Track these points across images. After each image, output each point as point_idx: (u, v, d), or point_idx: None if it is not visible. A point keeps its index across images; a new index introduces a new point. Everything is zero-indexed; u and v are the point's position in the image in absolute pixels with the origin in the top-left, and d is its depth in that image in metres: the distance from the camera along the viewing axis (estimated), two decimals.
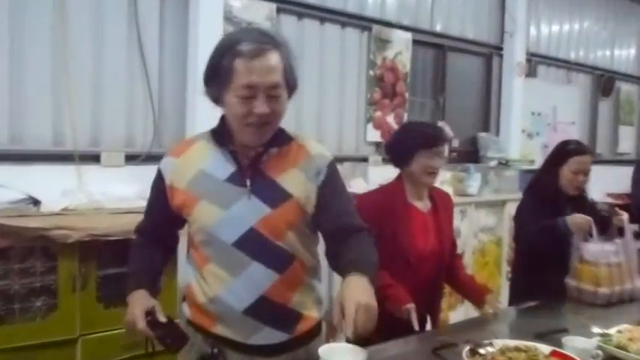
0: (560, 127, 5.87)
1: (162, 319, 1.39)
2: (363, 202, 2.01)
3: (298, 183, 1.43)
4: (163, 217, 1.51)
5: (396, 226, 2.03)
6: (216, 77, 1.37)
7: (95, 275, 2.53)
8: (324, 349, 1.29)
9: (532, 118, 5.62)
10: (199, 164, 1.44)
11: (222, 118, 1.47)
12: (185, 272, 1.60)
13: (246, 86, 1.33)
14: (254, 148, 1.43)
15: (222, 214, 1.40)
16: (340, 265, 1.38)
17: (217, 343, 1.47)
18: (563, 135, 5.16)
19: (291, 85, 1.42)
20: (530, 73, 5.60)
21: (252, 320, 1.43)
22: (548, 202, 2.51)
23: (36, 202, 2.62)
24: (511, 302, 2.62)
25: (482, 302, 2.06)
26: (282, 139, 1.47)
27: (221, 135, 1.46)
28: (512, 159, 5.07)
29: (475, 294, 2.13)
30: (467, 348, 1.51)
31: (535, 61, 5.69)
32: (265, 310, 1.42)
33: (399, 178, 2.16)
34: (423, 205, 2.14)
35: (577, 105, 6.19)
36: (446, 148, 2.15)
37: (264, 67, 1.33)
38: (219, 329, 1.47)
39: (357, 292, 1.22)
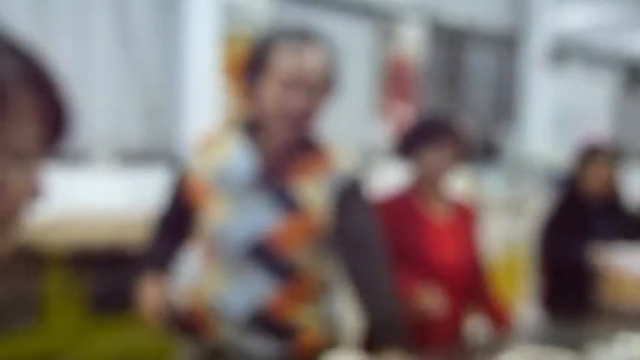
0: (590, 122, 5.88)
1: (182, 310, 1.51)
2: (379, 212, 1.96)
3: (317, 197, 1.47)
4: (179, 204, 1.58)
5: (413, 238, 1.93)
6: (256, 64, 1.43)
7: (80, 292, 2.55)
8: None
9: (558, 111, 5.64)
10: (221, 159, 1.50)
11: (254, 114, 1.51)
12: (183, 270, 1.67)
13: (286, 71, 1.39)
14: (282, 149, 1.47)
15: (233, 215, 1.46)
16: (366, 321, 1.51)
17: (210, 347, 1.53)
18: (593, 131, 5.18)
19: (331, 86, 1.48)
20: (557, 61, 5.61)
21: (247, 329, 1.48)
22: (577, 209, 2.54)
23: None
24: (539, 312, 2.64)
25: (504, 323, 2.01)
26: (312, 145, 1.52)
27: (249, 132, 1.50)
28: (535, 157, 5.09)
29: (496, 313, 2.04)
30: None
31: (562, 48, 5.70)
32: (262, 320, 1.47)
33: (409, 178, 2.06)
34: (440, 213, 2.02)
35: (610, 98, 6.20)
36: (459, 144, 2.00)
37: (307, 54, 1.41)
38: (213, 333, 1.52)
39: None
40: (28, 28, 2.94)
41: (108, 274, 2.60)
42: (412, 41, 4.50)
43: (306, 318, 1.52)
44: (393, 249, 1.83)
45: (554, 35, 5.57)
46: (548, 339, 1.87)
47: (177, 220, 1.62)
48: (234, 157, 1.48)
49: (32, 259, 2.42)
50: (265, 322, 1.47)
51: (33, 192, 0.66)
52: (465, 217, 2.06)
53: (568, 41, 5.83)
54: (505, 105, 5.44)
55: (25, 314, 2.43)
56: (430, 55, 4.75)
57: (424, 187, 1.99)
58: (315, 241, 1.49)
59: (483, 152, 5.02)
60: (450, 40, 4.96)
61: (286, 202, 1.45)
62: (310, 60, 1.41)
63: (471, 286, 2.01)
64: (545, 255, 2.64)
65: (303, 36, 1.43)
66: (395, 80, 4.45)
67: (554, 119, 5.60)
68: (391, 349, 1.40)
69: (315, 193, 1.47)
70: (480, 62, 5.19)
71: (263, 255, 1.45)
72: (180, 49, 3.37)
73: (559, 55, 5.69)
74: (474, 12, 5.06)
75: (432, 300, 1.75)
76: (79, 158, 3.08)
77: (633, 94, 6.65)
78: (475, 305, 2.06)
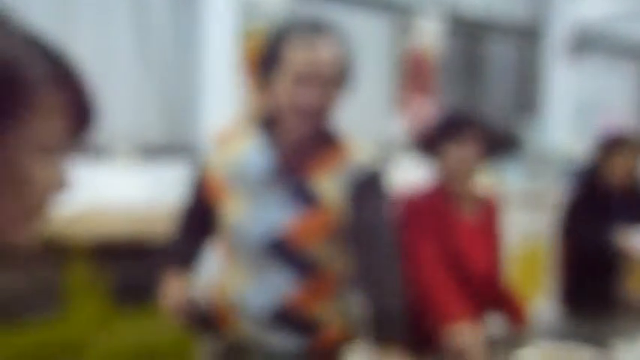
0: (612, 112, 5.79)
1: (203, 306, 1.53)
2: (411, 210, 1.88)
3: (334, 191, 1.45)
4: (200, 200, 1.59)
5: (446, 244, 1.86)
6: (270, 59, 1.41)
7: (103, 283, 2.58)
8: None
9: (580, 102, 5.55)
10: (237, 155, 1.48)
11: (269, 109, 1.50)
12: (206, 266, 1.67)
13: (299, 66, 1.37)
14: (297, 144, 1.45)
15: (250, 211, 1.45)
16: (369, 314, 1.45)
17: (231, 342, 1.54)
18: (615, 121, 5.09)
19: (345, 78, 1.45)
20: (578, 52, 5.52)
21: (269, 325, 1.48)
22: (598, 198, 2.51)
23: None
24: (559, 306, 2.61)
25: (521, 321, 1.96)
26: (328, 139, 1.49)
27: (265, 127, 1.49)
28: (557, 149, 5.02)
29: (514, 312, 1.99)
30: None
31: (584, 39, 5.59)
32: (283, 316, 1.47)
33: (434, 177, 1.97)
34: (469, 212, 1.94)
35: (633, 87, 6.09)
36: (483, 138, 1.91)
37: (320, 48, 1.38)
38: (235, 329, 1.52)
39: None
40: (52, 27, 2.97)
41: (129, 265, 2.63)
42: (430, 34, 4.46)
43: (327, 313, 1.51)
44: (429, 252, 1.79)
45: (574, 25, 5.47)
46: (568, 334, 1.84)
47: (200, 216, 1.61)
48: (250, 152, 1.47)
49: (57, 251, 2.46)
50: (286, 318, 1.46)
51: (58, 185, 0.68)
52: (490, 212, 2.00)
53: (589, 31, 5.73)
54: (526, 97, 5.37)
55: (50, 304, 2.47)
56: (449, 48, 4.70)
57: (451, 186, 1.91)
58: (333, 235, 1.47)
59: (504, 145, 4.95)
60: (469, 33, 4.90)
61: (303, 197, 1.43)
62: (323, 54, 1.38)
63: (492, 285, 1.96)
64: (567, 244, 2.60)
65: (315, 29, 1.40)
66: (413, 73, 4.42)
67: (575, 110, 5.52)
68: (390, 347, 1.38)
69: (331, 187, 1.45)
70: (499, 54, 5.13)
71: (281, 251, 1.44)
72: (198, 46, 3.38)
73: (580, 46, 5.59)
74: (492, 3, 4.99)
75: (472, 339, 1.65)
76: (100, 153, 3.11)
77: None
78: (493, 303, 2.00)
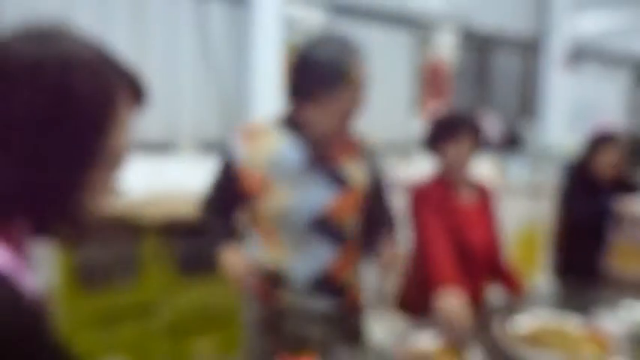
0: (604, 115, 5.68)
1: (264, 273, 1.53)
2: (419, 196, 1.91)
3: (360, 173, 1.52)
4: (232, 197, 1.55)
5: (449, 225, 1.87)
6: (325, 78, 1.38)
7: (170, 255, 2.66)
8: None
9: (576, 107, 5.47)
10: (271, 151, 1.47)
11: (295, 108, 1.47)
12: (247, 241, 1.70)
13: (353, 80, 1.39)
14: (325, 139, 1.47)
15: (294, 197, 1.46)
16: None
17: (276, 308, 1.54)
18: (604, 122, 5.00)
19: (364, 88, 1.47)
20: (575, 62, 5.43)
21: (310, 291, 1.51)
22: (587, 187, 2.46)
23: None
24: (553, 279, 2.59)
25: (518, 292, 1.95)
26: (348, 135, 1.54)
27: (293, 122, 1.49)
28: (555, 147, 4.95)
29: (511, 284, 1.98)
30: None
31: (580, 51, 5.51)
32: (323, 282, 1.50)
33: (437, 170, 2.00)
34: (466, 197, 1.97)
35: (623, 94, 5.96)
36: (476, 134, 1.91)
37: (363, 66, 1.42)
38: (280, 295, 1.53)
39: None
40: (129, 46, 3.06)
41: (191, 241, 2.69)
42: (446, 47, 4.45)
43: (352, 277, 1.57)
44: (434, 228, 1.81)
45: (572, 39, 5.38)
46: (559, 303, 1.85)
47: (232, 202, 1.57)
48: (284, 150, 1.47)
49: (132, 229, 2.52)
50: (325, 284, 1.51)
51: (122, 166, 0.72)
52: (484, 197, 2.02)
53: (585, 44, 5.63)
54: (528, 101, 5.32)
55: (126, 273, 2.53)
56: (462, 59, 4.68)
57: (450, 176, 1.94)
58: (358, 212, 1.53)
59: (509, 143, 4.92)
60: (480, 46, 4.87)
61: (336, 180, 1.48)
62: (363, 66, 1.41)
63: (491, 260, 1.98)
64: (559, 227, 2.53)
65: (354, 46, 1.43)
66: (430, 80, 4.41)
67: (571, 113, 5.44)
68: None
69: (355, 170, 1.51)
70: (505, 64, 5.08)
71: (324, 226, 1.47)
72: (251, 55, 3.44)
73: (576, 57, 5.50)
74: (500, 20, 4.94)
75: (454, 305, 1.57)
76: (168, 147, 3.21)
77: None
78: (493, 276, 2.01)
